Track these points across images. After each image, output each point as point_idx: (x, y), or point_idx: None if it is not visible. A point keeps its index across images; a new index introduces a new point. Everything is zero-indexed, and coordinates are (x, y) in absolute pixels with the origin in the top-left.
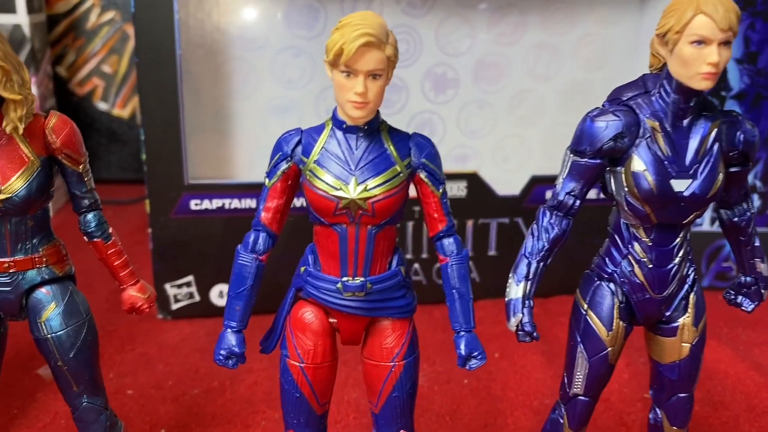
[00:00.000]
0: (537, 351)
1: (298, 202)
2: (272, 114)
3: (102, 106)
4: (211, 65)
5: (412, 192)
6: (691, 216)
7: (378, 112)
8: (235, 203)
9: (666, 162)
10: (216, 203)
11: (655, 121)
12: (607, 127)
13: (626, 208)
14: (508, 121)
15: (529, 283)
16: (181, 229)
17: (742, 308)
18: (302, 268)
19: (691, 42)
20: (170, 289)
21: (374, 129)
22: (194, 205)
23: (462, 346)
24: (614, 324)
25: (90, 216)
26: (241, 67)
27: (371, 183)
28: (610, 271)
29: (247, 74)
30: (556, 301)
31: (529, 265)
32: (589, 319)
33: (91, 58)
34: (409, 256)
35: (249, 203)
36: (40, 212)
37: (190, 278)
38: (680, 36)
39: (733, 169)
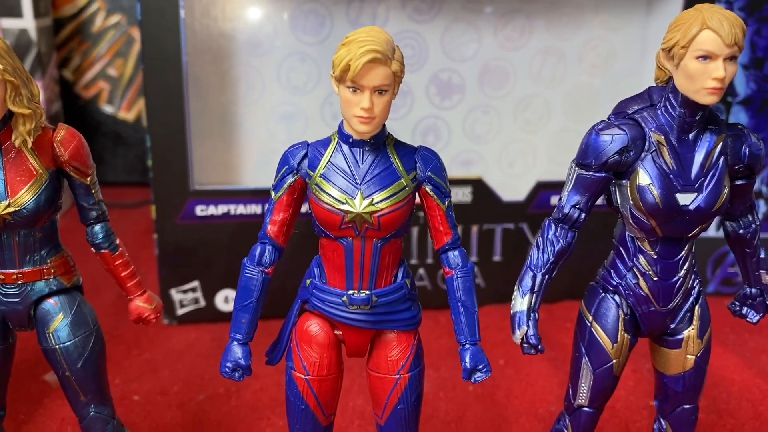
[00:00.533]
0: (543, 357)
1: (304, 208)
2: (278, 119)
3: (107, 109)
4: (217, 71)
5: (417, 198)
6: (696, 229)
7: (384, 126)
8: (241, 209)
9: (671, 176)
10: (221, 209)
11: (660, 134)
12: (613, 140)
13: (631, 221)
14: (513, 126)
15: (534, 295)
16: (187, 234)
17: (747, 320)
18: (308, 281)
19: (696, 57)
20: (176, 295)
21: (380, 143)
22: (200, 210)
23: (467, 359)
24: (619, 336)
25: (97, 228)
26: (247, 72)
27: (377, 197)
28: (615, 283)
29: (253, 80)
30: (562, 307)
31: (534, 277)
32: (594, 331)
33: (96, 61)
34: (413, 261)
35: (254, 209)
36: (48, 224)
37: (195, 284)
38: (686, 51)
39: (738, 182)
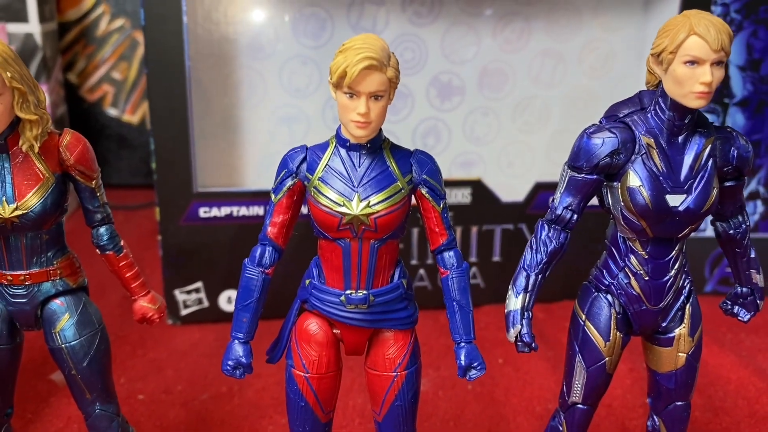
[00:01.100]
0: (541, 356)
1: (305, 209)
2: (280, 122)
3: (112, 112)
4: (220, 74)
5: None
6: (686, 230)
7: (381, 130)
8: (243, 211)
9: (661, 178)
10: (224, 211)
11: (650, 137)
12: (604, 143)
13: (623, 222)
14: (512, 127)
15: (528, 295)
16: (190, 236)
17: (739, 318)
18: (307, 281)
19: (684, 62)
20: (180, 295)
21: (377, 147)
22: (203, 212)
23: (462, 357)
24: (611, 335)
25: (102, 230)
26: (249, 75)
27: (374, 199)
28: (607, 283)
29: (255, 83)
30: (561, 307)
31: (527, 277)
32: (587, 330)
33: (101, 64)
34: (414, 262)
35: (257, 211)
36: (54, 227)
37: (199, 284)
38: (674, 56)
39: (728, 184)
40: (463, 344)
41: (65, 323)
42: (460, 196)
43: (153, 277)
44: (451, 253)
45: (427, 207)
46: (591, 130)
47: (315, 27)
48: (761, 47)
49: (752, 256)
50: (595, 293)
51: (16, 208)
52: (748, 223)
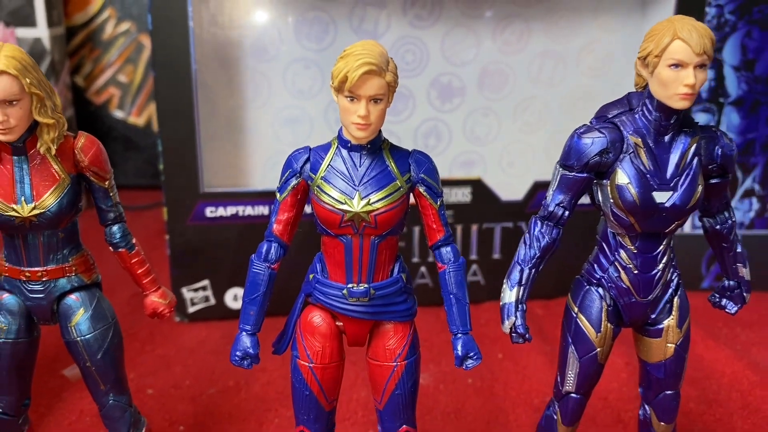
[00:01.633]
0: (540, 351)
1: (309, 208)
2: (284, 123)
3: (118, 114)
4: (225, 77)
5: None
6: (673, 225)
7: (380, 131)
8: (249, 210)
9: (648, 175)
10: (230, 210)
11: (638, 137)
12: (593, 143)
13: (612, 218)
14: (512, 127)
15: (522, 288)
16: (197, 235)
17: (726, 310)
18: (311, 276)
19: (669, 65)
20: (187, 293)
21: (377, 147)
22: (209, 212)
23: (459, 347)
24: (603, 326)
25: (115, 228)
26: (253, 78)
27: (374, 197)
28: (598, 276)
29: (260, 85)
30: (559, 303)
31: (521, 271)
32: (579, 322)
33: (107, 68)
34: (416, 259)
35: (262, 210)
36: (69, 225)
37: (205, 282)
38: (659, 60)
39: (713, 181)
40: (459, 335)
41: (80, 317)
42: (460, 195)
43: (161, 275)
44: (449, 248)
45: (425, 204)
46: (581, 131)
47: (318, 30)
48: (755, 47)
49: (738, 250)
50: (587, 287)
51: (34, 208)
52: (733, 219)
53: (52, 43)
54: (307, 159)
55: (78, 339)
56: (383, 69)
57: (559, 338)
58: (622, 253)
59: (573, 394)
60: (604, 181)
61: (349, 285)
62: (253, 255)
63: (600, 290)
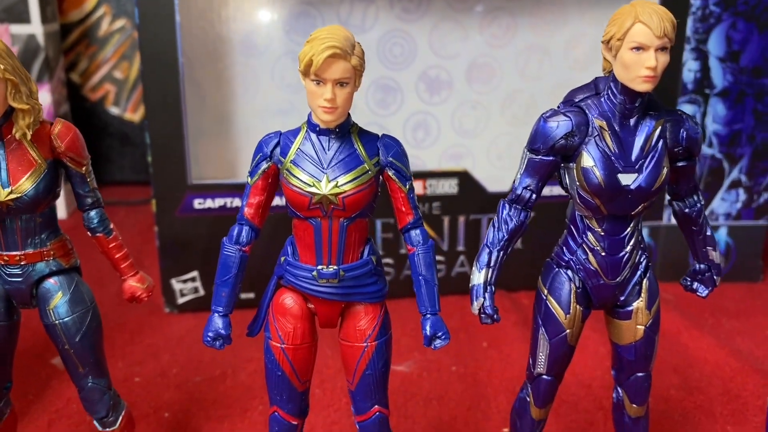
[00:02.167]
0: (524, 340)
1: (281, 201)
2: (272, 116)
3: (114, 110)
4: (214, 71)
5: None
6: (639, 207)
7: (349, 115)
8: (237, 202)
9: (613, 158)
10: (218, 202)
11: (603, 120)
12: (558, 126)
13: (579, 201)
14: (500, 120)
15: (490, 270)
16: (186, 227)
17: (698, 294)
18: (282, 258)
19: (630, 48)
20: (176, 284)
21: (345, 131)
22: (198, 204)
23: (428, 327)
24: (572, 308)
25: (93, 213)
26: (242, 72)
27: (341, 180)
28: (567, 259)
29: (248, 79)
30: None
31: (490, 254)
32: (549, 304)
33: (103, 64)
34: (403, 251)
35: None
36: (47, 210)
37: (194, 273)
38: (621, 43)
39: (680, 164)
40: (428, 315)
41: (58, 301)
42: (447, 187)
43: (152, 267)
44: (418, 231)
45: (394, 188)
46: (547, 115)
47: (306, 24)
48: (740, 39)
49: (708, 233)
50: (556, 269)
51: (11, 192)
52: (702, 203)
53: (46, 40)
54: (277, 143)
55: (56, 322)
56: (348, 53)
57: None
58: (590, 236)
59: (545, 376)
60: (570, 164)
61: (319, 267)
62: (224, 238)
63: (569, 272)
